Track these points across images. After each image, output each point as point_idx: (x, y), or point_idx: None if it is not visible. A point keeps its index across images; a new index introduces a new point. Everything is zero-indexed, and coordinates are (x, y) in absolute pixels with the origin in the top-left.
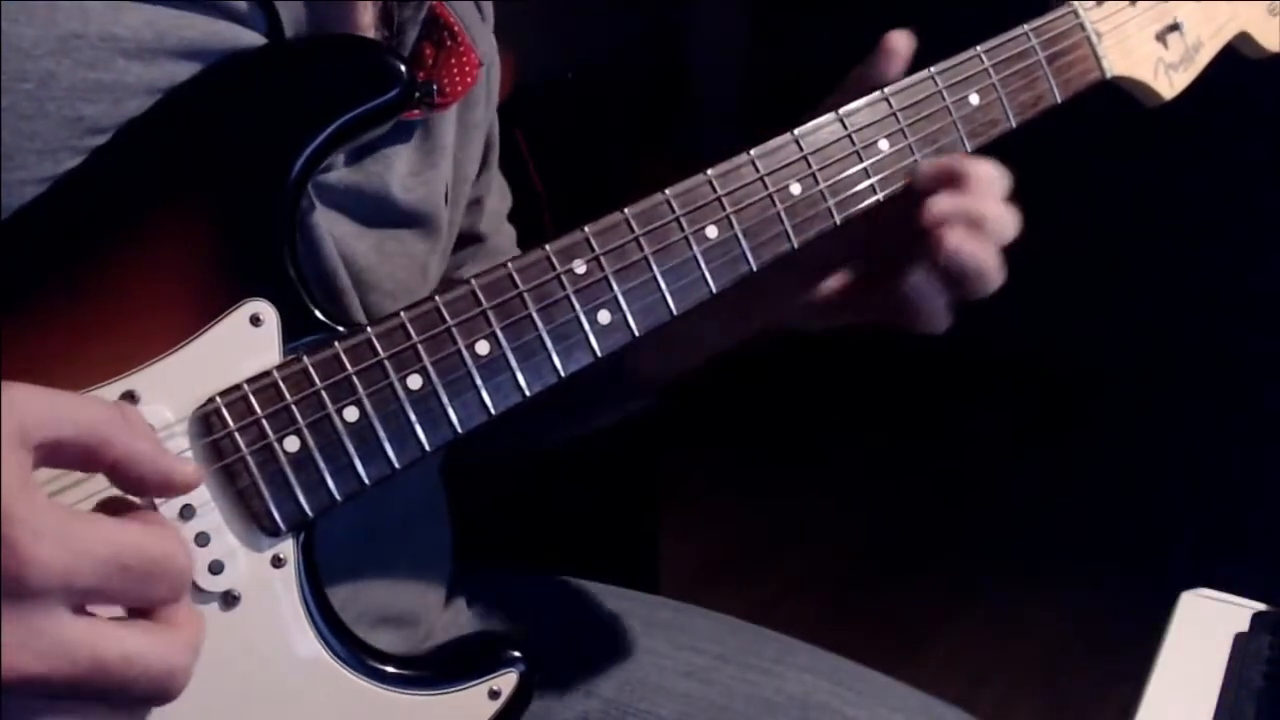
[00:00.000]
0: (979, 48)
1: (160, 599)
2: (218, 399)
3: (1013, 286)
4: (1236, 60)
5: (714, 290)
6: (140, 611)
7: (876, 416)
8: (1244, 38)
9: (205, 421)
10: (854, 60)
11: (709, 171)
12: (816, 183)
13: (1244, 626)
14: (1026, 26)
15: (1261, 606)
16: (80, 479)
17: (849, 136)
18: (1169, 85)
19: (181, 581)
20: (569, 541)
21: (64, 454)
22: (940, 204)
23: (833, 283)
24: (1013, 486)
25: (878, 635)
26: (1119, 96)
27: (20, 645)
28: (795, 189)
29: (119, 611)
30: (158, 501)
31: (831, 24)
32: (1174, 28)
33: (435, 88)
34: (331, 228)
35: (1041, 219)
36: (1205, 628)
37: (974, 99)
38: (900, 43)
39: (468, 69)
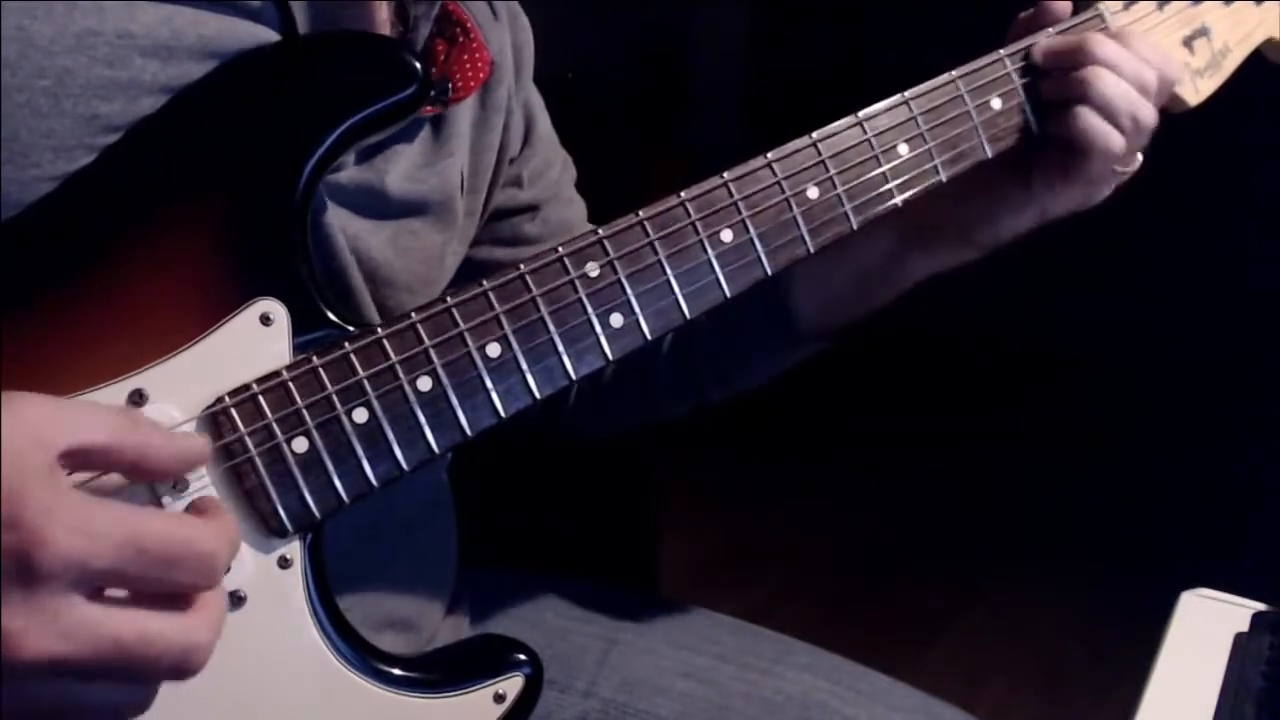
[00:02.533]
0: (1002, 51)
1: (188, 584)
2: (227, 399)
3: (1015, 287)
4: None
5: (728, 295)
6: (169, 599)
7: (877, 416)
8: (1271, 44)
9: (214, 421)
10: (853, 60)
11: (725, 174)
12: (834, 187)
13: (1244, 626)
14: (1052, 31)
15: (1261, 606)
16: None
17: (869, 140)
18: (1194, 91)
19: (209, 566)
20: (568, 542)
21: (88, 460)
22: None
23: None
24: (1013, 487)
25: (878, 635)
26: None
27: (39, 627)
28: (813, 193)
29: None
30: (165, 500)
31: (831, 24)
32: (1201, 33)
33: (450, 85)
34: (343, 225)
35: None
36: (1205, 628)
37: (996, 103)
38: (1061, 6)
39: (479, 65)
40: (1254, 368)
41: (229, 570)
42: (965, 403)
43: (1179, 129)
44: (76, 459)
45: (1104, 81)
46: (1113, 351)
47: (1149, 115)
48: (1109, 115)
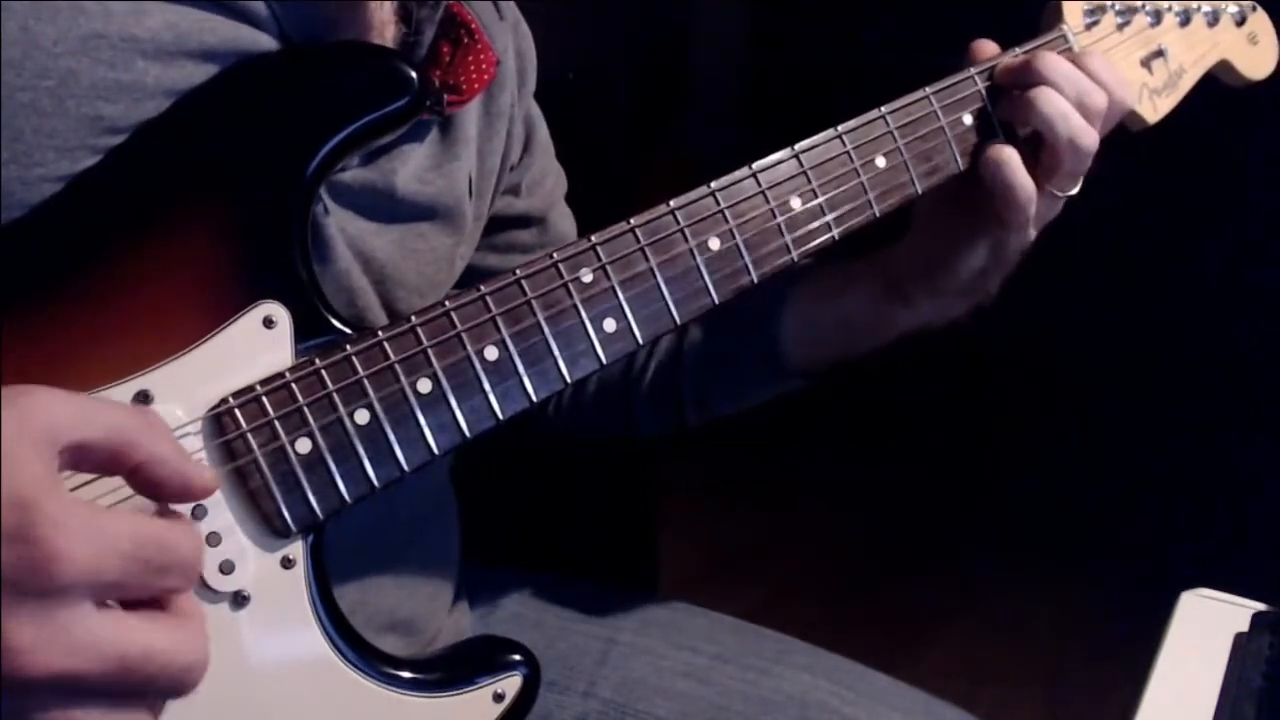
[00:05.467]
0: (972, 70)
1: (172, 589)
2: (231, 400)
3: (1013, 286)
4: None
5: (716, 301)
6: (149, 601)
7: (876, 416)
8: (1224, 65)
9: (218, 422)
10: (853, 61)
11: (712, 184)
12: (816, 197)
13: (1244, 626)
14: (1018, 50)
15: (1261, 606)
16: (88, 478)
17: (848, 153)
18: (1153, 109)
19: (194, 570)
20: (568, 542)
21: (90, 456)
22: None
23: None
24: (1012, 486)
25: (878, 635)
26: None
27: (49, 641)
28: (795, 203)
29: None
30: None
31: (830, 24)
32: (1159, 54)
33: (445, 95)
34: (346, 226)
35: None
36: (1205, 628)
37: (967, 119)
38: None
39: (485, 66)
40: (1254, 367)
41: (232, 571)
42: (965, 402)
43: (1182, 132)
44: (78, 454)
45: (1046, 102)
46: (1113, 351)
47: (1088, 140)
48: (1047, 135)
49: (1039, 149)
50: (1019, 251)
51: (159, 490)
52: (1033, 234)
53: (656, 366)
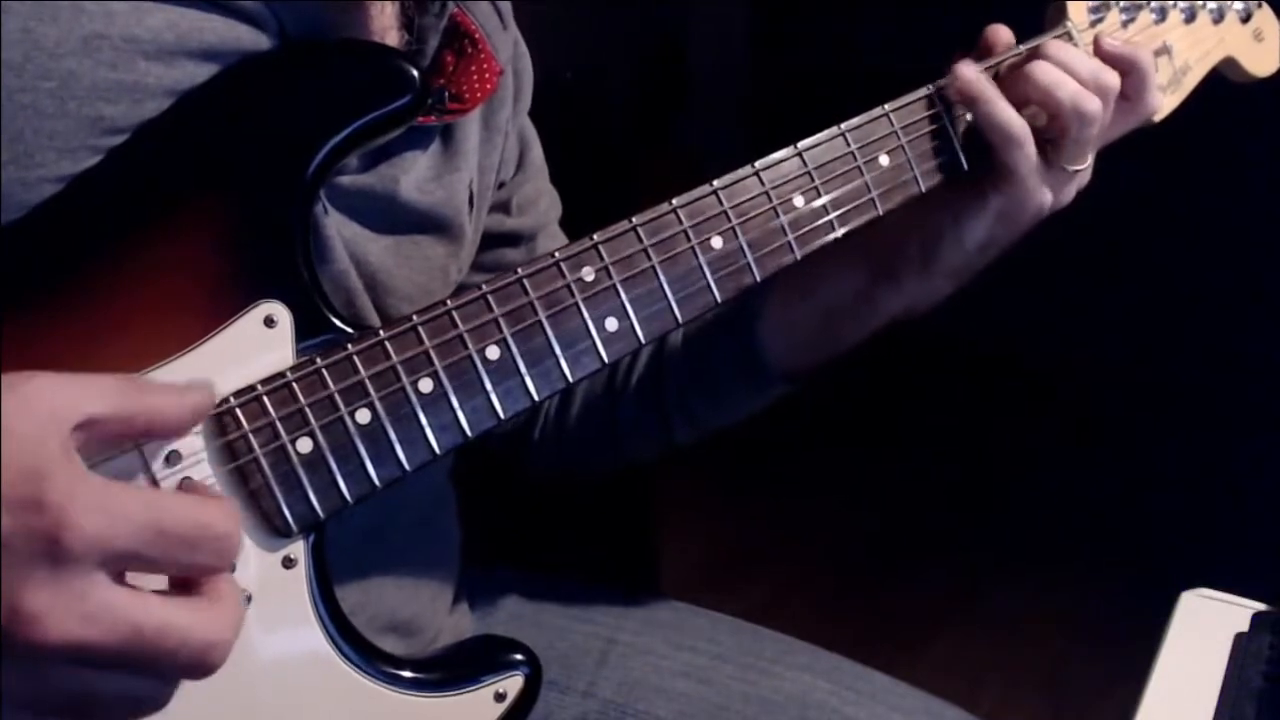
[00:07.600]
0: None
1: (206, 567)
2: (232, 399)
3: (1012, 287)
4: None
5: (718, 300)
6: (188, 584)
7: (876, 417)
8: (1229, 62)
9: (219, 422)
10: (853, 60)
11: (715, 183)
12: (819, 195)
13: (1244, 626)
14: (1023, 47)
15: (1261, 606)
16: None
17: (852, 153)
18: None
19: (226, 548)
20: (568, 542)
21: (102, 429)
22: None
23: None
24: (1013, 486)
25: (877, 635)
26: None
27: (63, 609)
28: (798, 202)
29: (164, 583)
30: (158, 474)
31: (831, 24)
32: (1164, 51)
33: (448, 94)
34: (341, 230)
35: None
36: (1205, 628)
37: (970, 116)
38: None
39: (488, 76)
40: (1254, 367)
41: (233, 571)
42: (965, 402)
43: (1183, 131)
44: (90, 430)
45: (1044, 71)
46: (1111, 352)
47: (1089, 104)
48: (1048, 104)
49: (1044, 128)
50: (1030, 222)
51: (179, 429)
52: (1045, 203)
53: (638, 382)
